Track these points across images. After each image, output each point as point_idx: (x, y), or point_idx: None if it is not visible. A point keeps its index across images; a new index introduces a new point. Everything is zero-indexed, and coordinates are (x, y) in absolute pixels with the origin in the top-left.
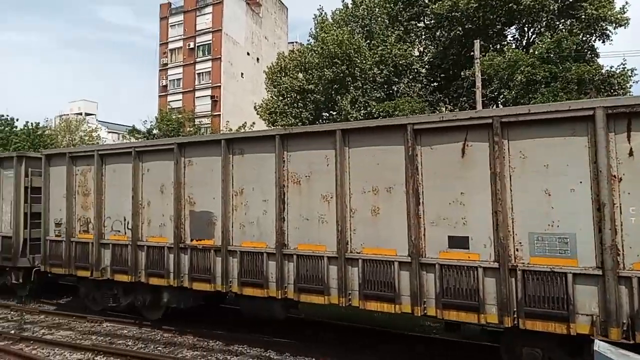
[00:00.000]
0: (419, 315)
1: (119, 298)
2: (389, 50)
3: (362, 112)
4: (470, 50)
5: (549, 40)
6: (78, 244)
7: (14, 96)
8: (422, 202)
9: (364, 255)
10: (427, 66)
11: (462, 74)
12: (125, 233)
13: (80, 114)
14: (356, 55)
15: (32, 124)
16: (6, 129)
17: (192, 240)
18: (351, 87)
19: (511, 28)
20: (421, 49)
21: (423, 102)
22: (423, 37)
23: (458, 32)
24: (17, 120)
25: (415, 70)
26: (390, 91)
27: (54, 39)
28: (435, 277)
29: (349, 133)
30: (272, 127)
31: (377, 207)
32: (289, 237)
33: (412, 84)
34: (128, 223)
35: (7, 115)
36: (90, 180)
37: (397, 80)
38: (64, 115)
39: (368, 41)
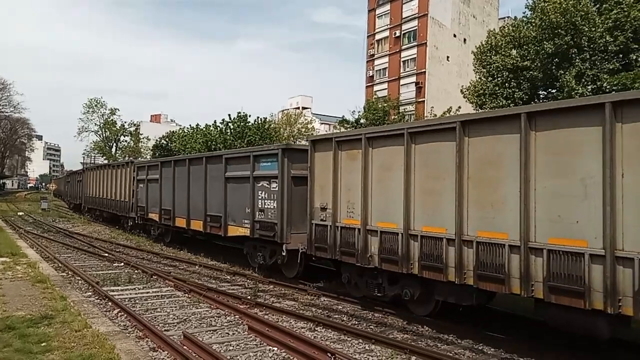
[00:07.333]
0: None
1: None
2: (625, 13)
3: (590, 87)
4: None
5: None
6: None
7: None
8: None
9: None
10: None
11: None
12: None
13: (298, 108)
14: (583, 22)
15: (260, 119)
16: (241, 123)
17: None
18: (576, 60)
19: None
20: None
21: None
22: None
23: None
24: (250, 116)
25: None
26: (627, 61)
27: (276, 44)
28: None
29: None
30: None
31: None
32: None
33: None
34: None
35: (242, 112)
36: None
37: (637, 47)
38: (285, 110)
39: (598, 5)
